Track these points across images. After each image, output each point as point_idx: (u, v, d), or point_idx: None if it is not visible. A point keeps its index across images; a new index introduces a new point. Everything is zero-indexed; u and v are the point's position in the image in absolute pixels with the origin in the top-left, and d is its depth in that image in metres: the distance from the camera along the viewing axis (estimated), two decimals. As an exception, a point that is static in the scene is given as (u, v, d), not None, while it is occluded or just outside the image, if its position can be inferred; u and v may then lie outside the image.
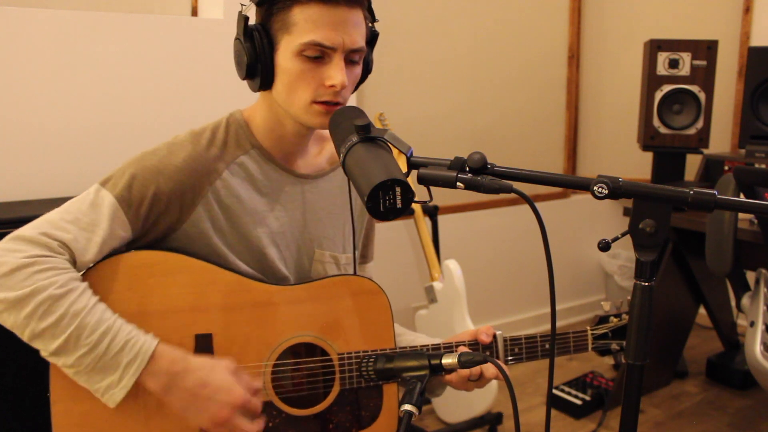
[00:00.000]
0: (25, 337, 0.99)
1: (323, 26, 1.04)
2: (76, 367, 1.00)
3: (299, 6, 1.05)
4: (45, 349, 1.00)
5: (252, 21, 1.11)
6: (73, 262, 1.04)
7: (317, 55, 1.05)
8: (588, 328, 1.29)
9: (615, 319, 1.30)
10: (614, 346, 1.29)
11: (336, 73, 1.05)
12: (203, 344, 1.11)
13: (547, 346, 1.26)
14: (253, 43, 1.08)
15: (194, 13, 2.43)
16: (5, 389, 1.60)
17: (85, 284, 1.03)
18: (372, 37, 1.16)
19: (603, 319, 1.30)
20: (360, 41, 1.08)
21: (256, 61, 1.08)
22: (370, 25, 1.14)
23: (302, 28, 1.04)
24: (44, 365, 1.05)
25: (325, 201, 1.26)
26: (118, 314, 1.04)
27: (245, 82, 1.14)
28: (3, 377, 1.60)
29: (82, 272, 1.06)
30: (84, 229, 1.05)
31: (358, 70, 1.13)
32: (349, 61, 1.09)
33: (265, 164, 1.18)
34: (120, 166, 1.11)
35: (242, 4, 1.10)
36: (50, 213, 1.06)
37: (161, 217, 1.10)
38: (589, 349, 1.29)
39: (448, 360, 1.05)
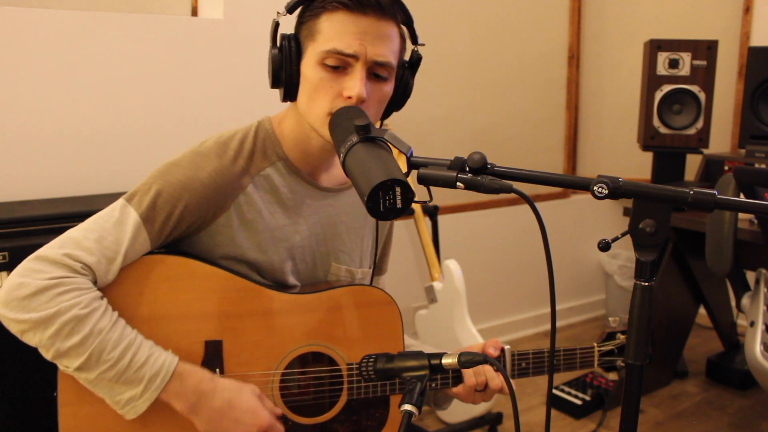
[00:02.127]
0: (49, 355, 1.01)
1: (347, 34, 1.01)
2: (99, 382, 1.01)
3: (327, 14, 1.03)
4: (69, 366, 1.01)
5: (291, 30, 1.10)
6: (95, 282, 1.05)
7: (338, 65, 1.03)
8: (595, 344, 1.28)
9: (622, 336, 1.29)
10: (620, 362, 1.28)
11: (353, 84, 1.02)
12: (213, 350, 1.11)
13: (554, 361, 1.25)
14: (281, 50, 1.07)
15: (194, 13, 2.43)
16: (11, 389, 1.60)
17: (105, 302, 1.04)
18: (414, 60, 1.13)
19: (610, 335, 1.29)
20: (387, 55, 1.04)
21: (281, 70, 1.07)
22: (414, 48, 1.12)
23: (326, 35, 1.03)
24: (50, 366, 1.05)
25: (345, 215, 1.24)
26: (137, 331, 1.05)
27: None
28: (8, 377, 1.59)
29: (102, 287, 1.06)
30: (108, 249, 1.04)
31: (387, 88, 1.08)
32: (374, 76, 1.05)
33: (289, 177, 1.16)
34: (145, 178, 1.10)
35: (278, 12, 1.09)
36: (75, 229, 1.06)
37: (182, 230, 1.10)
38: (595, 365, 1.28)
39: (447, 360, 1.05)
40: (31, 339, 1.01)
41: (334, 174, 1.23)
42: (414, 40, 1.12)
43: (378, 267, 1.39)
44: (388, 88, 1.09)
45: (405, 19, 1.08)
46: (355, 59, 1.02)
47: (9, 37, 1.94)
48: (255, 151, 1.14)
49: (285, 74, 1.07)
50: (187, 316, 1.10)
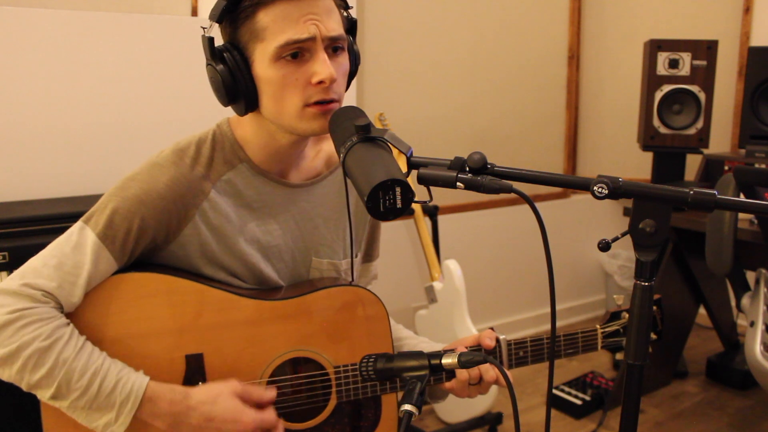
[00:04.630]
0: (23, 387, 1.01)
1: (295, 21, 0.98)
2: (73, 409, 1.01)
3: (264, 9, 0.98)
4: (43, 396, 1.01)
5: (220, 42, 1.05)
6: (60, 308, 1.03)
7: (295, 52, 0.99)
8: (597, 326, 1.26)
9: (627, 315, 1.25)
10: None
11: (321, 67, 0.99)
12: (194, 364, 1.10)
13: (555, 347, 1.23)
14: (225, 63, 1.01)
15: (194, 13, 2.43)
16: (4, 391, 1.60)
17: (70, 329, 1.02)
18: (350, 26, 1.10)
19: (614, 315, 1.26)
20: (337, 28, 1.02)
21: (234, 82, 1.02)
22: (344, 13, 1.09)
23: (273, 30, 0.98)
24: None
25: (321, 207, 1.22)
26: (106, 354, 1.04)
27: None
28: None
29: (70, 311, 1.05)
30: (69, 273, 1.03)
31: (345, 60, 1.06)
32: (332, 52, 1.03)
33: (254, 178, 1.13)
34: (103, 197, 1.08)
35: (203, 27, 1.03)
36: (35, 258, 1.04)
37: (147, 244, 1.08)
38: (599, 348, 1.25)
39: (447, 360, 1.05)
40: (2, 374, 1.00)
41: (304, 168, 1.20)
42: (345, 5, 1.09)
43: (367, 254, 1.36)
44: (346, 60, 1.07)
45: None
46: (312, 42, 1.00)
47: (9, 37, 1.94)
48: (214, 156, 1.11)
49: (240, 86, 1.02)
50: (165, 332, 1.09)
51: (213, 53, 1.03)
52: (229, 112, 1.18)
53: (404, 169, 0.91)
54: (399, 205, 0.88)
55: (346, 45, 1.06)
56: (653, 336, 1.28)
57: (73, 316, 1.05)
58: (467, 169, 0.87)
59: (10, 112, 1.97)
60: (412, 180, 0.90)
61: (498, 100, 3.28)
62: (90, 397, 0.99)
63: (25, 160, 2.00)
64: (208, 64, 1.04)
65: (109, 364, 1.02)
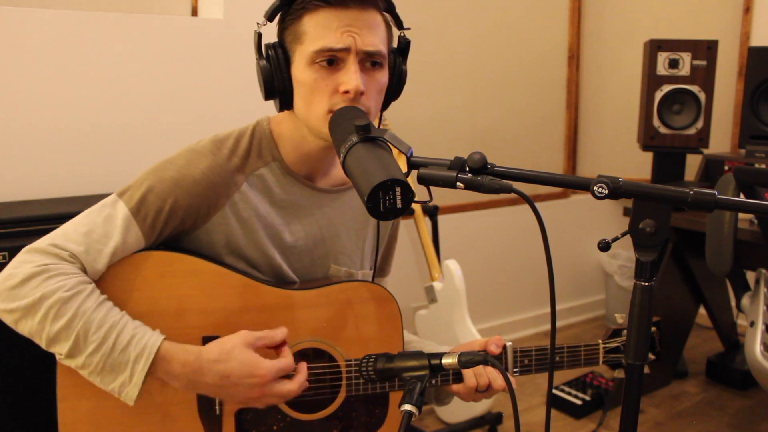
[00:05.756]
0: (43, 342, 1.02)
1: (333, 30, 1.01)
2: (89, 366, 1.01)
3: (308, 14, 1.03)
4: (61, 352, 1.01)
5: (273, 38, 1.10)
6: (84, 271, 1.05)
7: (329, 59, 1.02)
8: (600, 341, 1.27)
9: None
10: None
11: (349, 78, 1.02)
12: None
13: (558, 358, 1.24)
14: (267, 59, 1.07)
15: (194, 13, 2.43)
16: (10, 385, 1.60)
17: (92, 286, 1.04)
18: (403, 45, 1.13)
19: (616, 332, 1.28)
20: (377, 43, 1.04)
21: (272, 79, 1.07)
22: (401, 33, 1.11)
23: (312, 35, 1.02)
24: (48, 363, 1.06)
25: (345, 216, 1.24)
26: (125, 312, 1.05)
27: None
28: (7, 373, 1.59)
29: (93, 279, 1.07)
30: (96, 241, 1.05)
31: (382, 76, 1.08)
32: (368, 66, 1.05)
33: (284, 178, 1.16)
34: (140, 174, 1.10)
35: (258, 23, 1.09)
36: (67, 223, 1.07)
37: (175, 227, 1.10)
38: (600, 363, 1.26)
39: (448, 360, 1.05)
40: (23, 328, 1.02)
41: (333, 176, 1.22)
42: (399, 25, 1.12)
43: (380, 269, 1.38)
44: (383, 76, 1.09)
45: (386, 6, 1.08)
46: (346, 53, 1.02)
47: (9, 37, 1.94)
48: (251, 150, 1.14)
49: (277, 83, 1.07)
50: (185, 312, 1.11)
51: (259, 49, 1.09)
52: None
53: (404, 169, 0.91)
54: (399, 205, 0.88)
55: (385, 63, 1.08)
56: (651, 356, 1.28)
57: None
58: (467, 169, 0.87)
59: (10, 112, 1.97)
60: (412, 180, 0.90)
61: (498, 100, 3.28)
62: (105, 351, 1.00)
63: (25, 160, 2.00)
64: (256, 59, 1.10)
65: (127, 320, 1.04)
